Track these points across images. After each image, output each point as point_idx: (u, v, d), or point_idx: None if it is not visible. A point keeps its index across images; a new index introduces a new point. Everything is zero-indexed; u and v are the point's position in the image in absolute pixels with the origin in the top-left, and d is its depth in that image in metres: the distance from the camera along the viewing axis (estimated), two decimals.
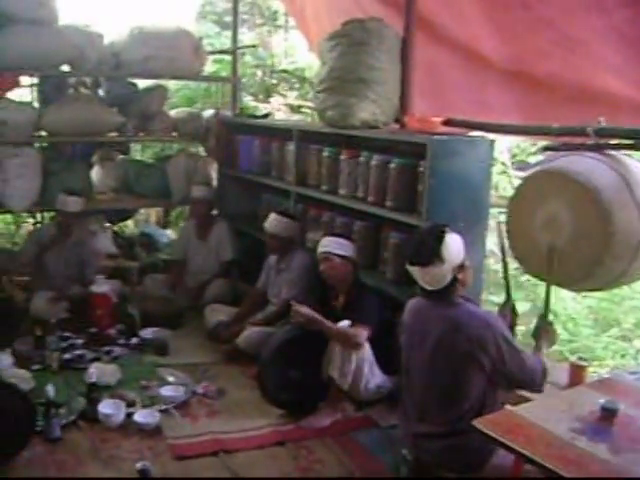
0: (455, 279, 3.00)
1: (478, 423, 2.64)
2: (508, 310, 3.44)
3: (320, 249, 4.10)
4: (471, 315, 2.97)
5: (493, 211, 4.43)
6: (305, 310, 3.82)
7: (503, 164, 6.90)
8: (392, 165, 4.11)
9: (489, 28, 4.25)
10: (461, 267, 3.02)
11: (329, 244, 4.08)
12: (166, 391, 4.09)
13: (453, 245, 3.00)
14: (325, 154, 4.74)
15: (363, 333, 3.77)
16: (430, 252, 2.96)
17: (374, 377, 3.87)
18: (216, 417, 3.96)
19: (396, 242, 4.23)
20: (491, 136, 4.04)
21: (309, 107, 8.62)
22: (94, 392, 3.89)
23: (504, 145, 6.79)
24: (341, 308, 4.08)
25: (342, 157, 4.58)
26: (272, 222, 4.77)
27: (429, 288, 3.03)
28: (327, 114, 4.59)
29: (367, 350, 3.81)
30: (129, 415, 3.83)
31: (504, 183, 6.87)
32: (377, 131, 4.45)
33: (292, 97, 9.37)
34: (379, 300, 4.04)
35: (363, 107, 4.43)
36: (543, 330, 3.34)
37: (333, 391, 3.90)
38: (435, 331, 3.02)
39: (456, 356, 2.94)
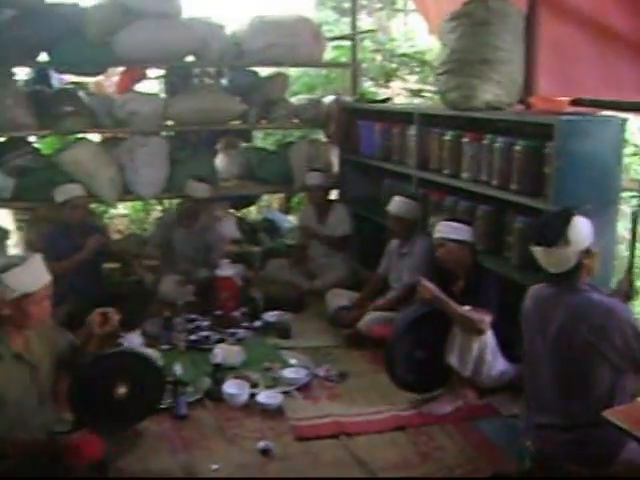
0: (580, 264, 2.88)
1: (608, 414, 2.53)
2: (626, 282, 3.27)
3: (435, 235, 4.04)
4: (594, 303, 2.84)
5: (624, 195, 4.22)
6: (432, 286, 3.78)
7: (635, 145, 6.57)
8: (517, 147, 3.97)
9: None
10: (587, 252, 2.89)
11: (443, 229, 4.00)
12: (288, 373, 4.16)
13: (580, 228, 2.87)
14: (447, 137, 4.65)
15: (486, 319, 3.70)
16: (556, 232, 2.85)
17: (497, 364, 3.79)
18: (337, 400, 3.99)
19: (521, 227, 4.09)
20: (623, 115, 3.84)
21: (430, 91, 8.50)
22: (219, 372, 4.00)
23: (636, 125, 6.46)
24: (460, 293, 4.00)
25: (464, 140, 4.48)
26: (396, 204, 4.74)
27: (552, 271, 2.92)
28: (449, 96, 4.50)
29: (489, 336, 3.73)
30: (252, 395, 3.92)
31: (636, 165, 6.54)
32: (501, 113, 4.33)
33: (412, 81, 9.27)
34: (500, 284, 3.93)
35: (486, 88, 4.32)
36: None
37: (455, 377, 3.84)
38: (557, 319, 2.91)
39: (578, 346, 2.82)
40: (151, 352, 4.34)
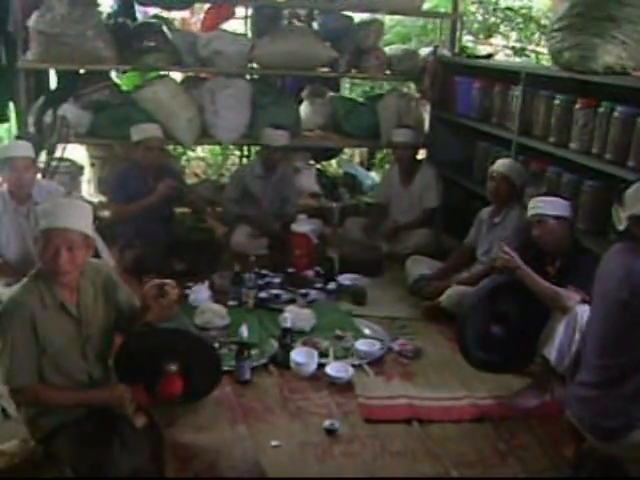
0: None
1: None
2: None
3: (532, 211, 3.56)
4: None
5: None
6: (514, 254, 3.42)
7: None
8: None
9: None
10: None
11: (542, 205, 3.53)
12: (361, 345, 3.87)
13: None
14: (557, 102, 4.22)
15: (575, 297, 3.28)
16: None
17: None
18: (411, 380, 3.68)
19: None
20: None
21: (533, 50, 7.94)
22: (287, 337, 3.74)
23: None
24: (555, 274, 3.58)
25: (577, 106, 4.04)
26: (505, 163, 4.35)
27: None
28: (564, 56, 4.06)
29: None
30: (321, 366, 3.65)
31: None
32: (624, 78, 3.85)
33: (514, 38, 8.68)
34: None
35: (609, 49, 3.88)
36: None
37: (543, 371, 3.46)
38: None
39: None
40: (218, 308, 4.13)
